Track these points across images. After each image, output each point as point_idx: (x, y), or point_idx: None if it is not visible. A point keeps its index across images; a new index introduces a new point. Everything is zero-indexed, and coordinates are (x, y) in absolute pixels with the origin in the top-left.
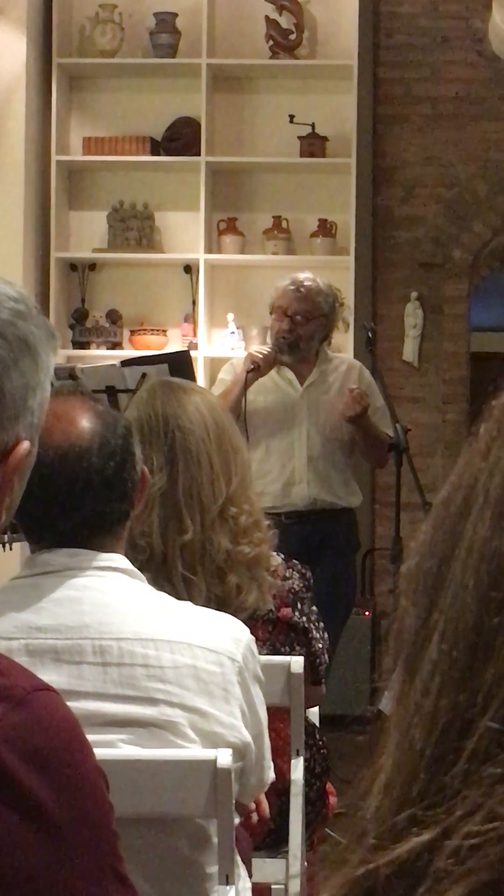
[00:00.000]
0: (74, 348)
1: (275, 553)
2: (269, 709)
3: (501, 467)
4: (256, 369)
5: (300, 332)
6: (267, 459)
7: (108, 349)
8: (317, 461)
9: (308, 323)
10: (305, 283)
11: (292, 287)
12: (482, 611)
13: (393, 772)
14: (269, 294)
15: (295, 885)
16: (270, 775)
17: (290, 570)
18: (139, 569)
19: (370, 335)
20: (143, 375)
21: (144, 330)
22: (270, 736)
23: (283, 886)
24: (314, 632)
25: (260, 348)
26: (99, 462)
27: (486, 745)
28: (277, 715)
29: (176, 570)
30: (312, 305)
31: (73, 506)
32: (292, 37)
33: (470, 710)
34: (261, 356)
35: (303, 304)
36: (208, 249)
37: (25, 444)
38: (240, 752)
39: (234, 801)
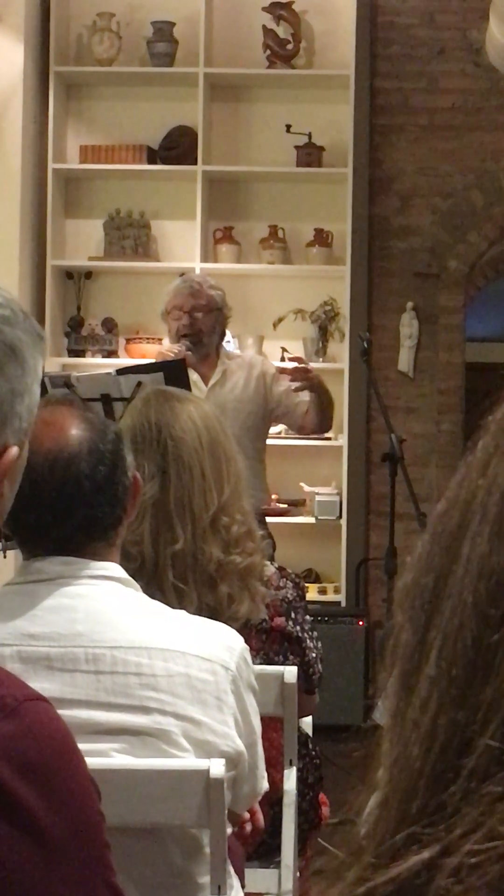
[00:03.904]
0: (70, 356)
1: (269, 562)
2: (262, 718)
3: (500, 483)
4: None
5: (200, 326)
6: None
7: (103, 357)
8: None
9: (206, 316)
10: (197, 280)
11: (185, 285)
12: (481, 628)
13: (390, 788)
14: (162, 300)
15: None
16: (264, 785)
17: (284, 579)
18: (130, 577)
19: (365, 345)
20: (139, 384)
21: (140, 338)
22: (263, 745)
23: None
24: (308, 641)
25: (170, 347)
26: (88, 467)
27: (485, 764)
28: (271, 725)
29: (167, 579)
30: (207, 299)
31: (64, 512)
32: (289, 46)
33: (469, 729)
34: (173, 355)
35: (198, 298)
36: (204, 258)
37: (14, 450)
38: (233, 760)
39: (226, 811)
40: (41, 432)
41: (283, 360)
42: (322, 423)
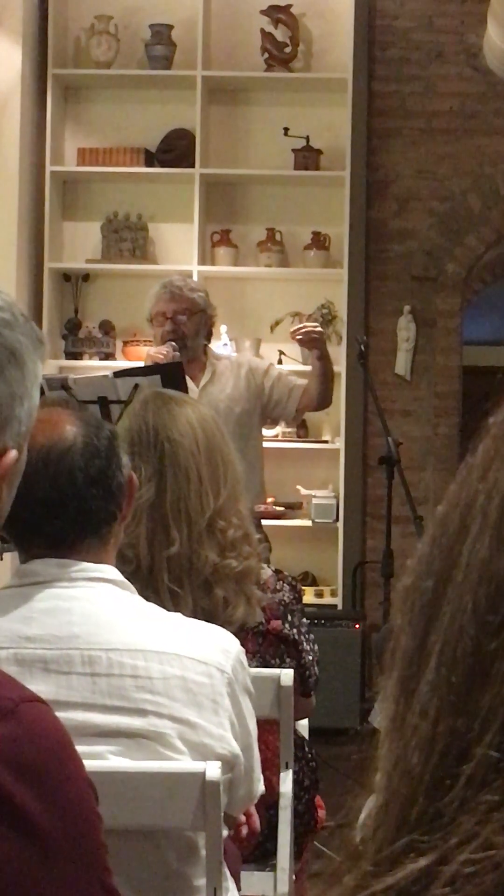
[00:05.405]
0: (67, 359)
1: (265, 566)
2: (258, 721)
3: (500, 488)
4: None
5: (184, 329)
6: None
7: (100, 360)
8: None
9: (189, 320)
10: (176, 284)
11: (165, 290)
12: (480, 634)
13: (390, 794)
14: (145, 308)
15: None
16: (260, 788)
17: (281, 582)
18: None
19: (362, 348)
20: (136, 386)
21: (137, 341)
22: (260, 748)
23: None
24: (304, 644)
25: (159, 349)
26: (82, 460)
27: (482, 772)
28: (267, 727)
29: (162, 582)
30: (189, 302)
31: (57, 505)
32: (287, 50)
33: (467, 736)
34: (161, 356)
35: (180, 303)
36: (202, 261)
37: (13, 453)
38: (228, 763)
39: (222, 814)
40: (36, 429)
41: (279, 362)
42: (324, 394)
